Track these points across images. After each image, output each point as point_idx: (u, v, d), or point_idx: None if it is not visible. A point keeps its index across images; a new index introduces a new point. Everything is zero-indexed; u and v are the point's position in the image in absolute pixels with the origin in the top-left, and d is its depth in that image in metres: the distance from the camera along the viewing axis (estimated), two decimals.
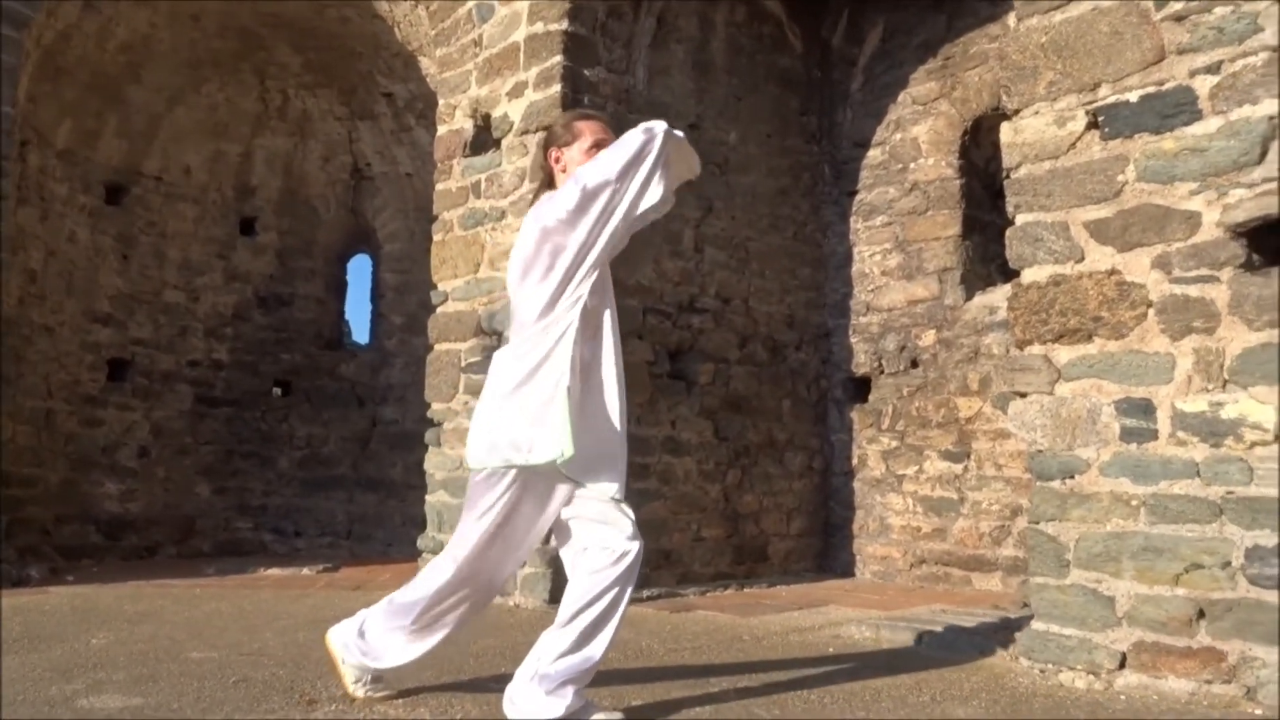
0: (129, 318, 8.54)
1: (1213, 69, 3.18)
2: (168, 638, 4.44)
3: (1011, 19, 3.81)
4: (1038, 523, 3.54)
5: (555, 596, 5.46)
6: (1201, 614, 3.08)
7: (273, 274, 9.38)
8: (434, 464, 6.38)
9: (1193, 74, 3.22)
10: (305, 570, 7.34)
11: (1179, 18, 3.26)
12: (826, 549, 7.26)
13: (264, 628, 4.77)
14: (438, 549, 6.19)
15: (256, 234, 9.36)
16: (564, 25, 5.91)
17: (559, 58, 5.89)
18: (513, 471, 2.80)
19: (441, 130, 6.61)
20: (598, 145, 2.92)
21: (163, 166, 8.80)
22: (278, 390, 9.37)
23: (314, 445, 9.28)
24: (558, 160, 3.00)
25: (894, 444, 6.91)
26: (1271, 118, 3.04)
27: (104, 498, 8.27)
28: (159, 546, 8.50)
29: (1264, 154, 3.05)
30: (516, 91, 6.09)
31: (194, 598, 5.88)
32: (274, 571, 7.31)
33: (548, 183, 3.04)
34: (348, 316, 9.93)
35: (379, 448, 9.19)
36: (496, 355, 2.98)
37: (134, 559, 8.17)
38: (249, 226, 9.35)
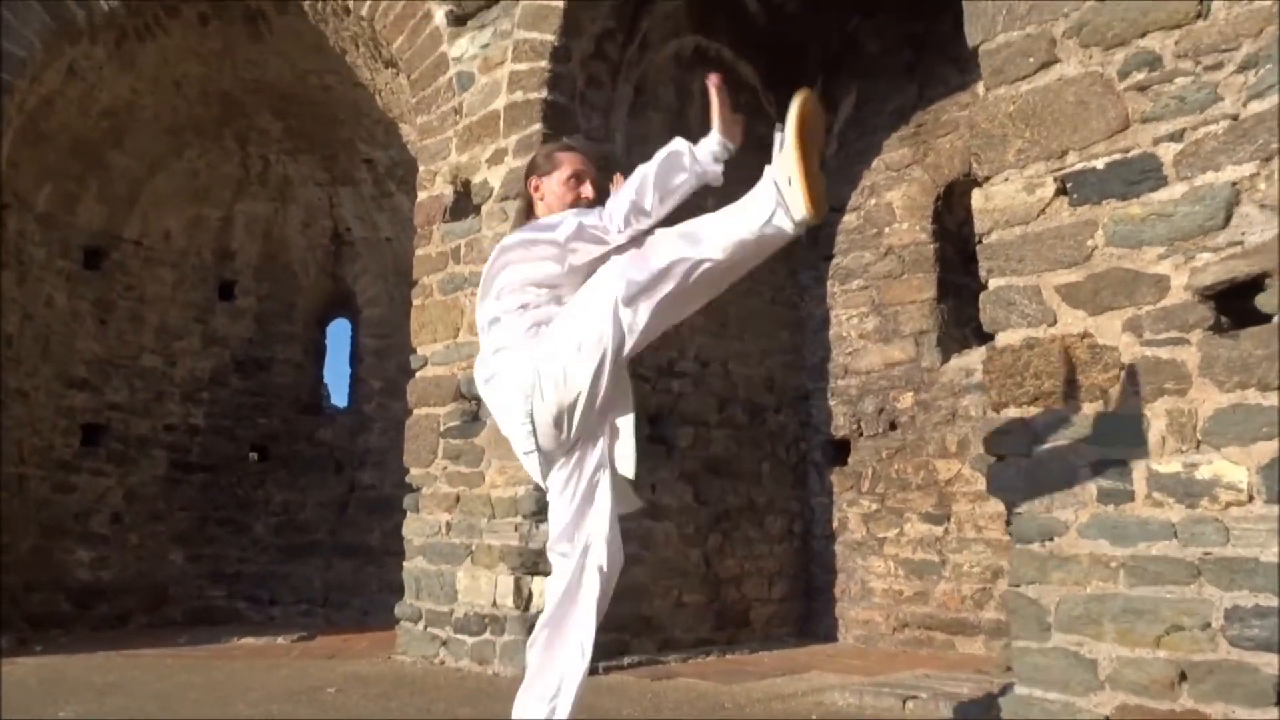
0: (105, 382, 8.48)
1: (1176, 137, 3.25)
2: (138, 711, 4.34)
3: (980, 88, 3.90)
4: (1018, 585, 3.53)
5: None
6: (1183, 676, 3.07)
7: (251, 338, 9.35)
8: (412, 529, 6.32)
9: (1156, 142, 3.30)
10: (280, 639, 7.21)
11: (1142, 87, 3.34)
12: (809, 613, 7.20)
13: (237, 699, 4.68)
14: (416, 616, 6.13)
15: (235, 298, 9.36)
16: (543, 94, 6.01)
17: (538, 125, 5.97)
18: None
19: (422, 196, 6.67)
20: (576, 176, 2.97)
21: (143, 231, 8.81)
22: (254, 455, 9.29)
23: (290, 511, 9.18)
24: (537, 189, 3.02)
25: (874, 506, 6.90)
26: (1234, 184, 3.11)
27: (75, 565, 8.13)
28: (130, 615, 8.34)
29: (1228, 219, 3.12)
30: (496, 158, 6.16)
31: (165, 668, 5.76)
32: (248, 641, 7.18)
33: (527, 211, 3.07)
34: (326, 381, 9.90)
35: (357, 513, 9.10)
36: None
37: (104, 628, 8.01)
38: (228, 291, 9.35)
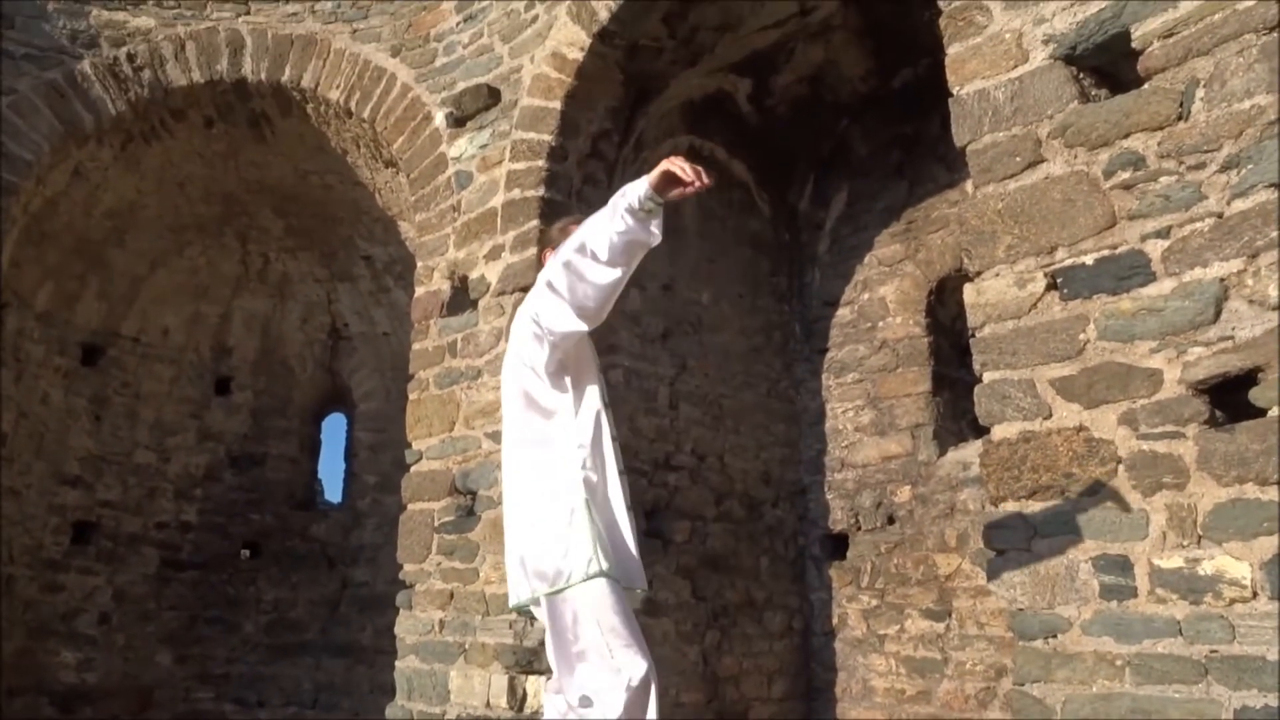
0: (97, 479, 8.42)
1: (1163, 234, 3.31)
2: None
3: (969, 186, 3.98)
4: (1022, 684, 3.46)
5: None
6: None
7: (246, 433, 9.32)
8: (405, 628, 6.20)
9: (1144, 238, 3.35)
10: None
11: (1127, 186, 3.42)
12: (809, 713, 7.03)
13: None
14: (407, 718, 5.97)
15: (232, 393, 9.34)
16: (540, 192, 6.11)
17: (535, 222, 6.06)
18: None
19: (419, 291, 6.72)
20: None
21: (141, 328, 8.85)
22: (246, 552, 9.16)
23: (281, 609, 9.02)
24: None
25: (874, 602, 6.81)
26: (1222, 279, 3.15)
27: (60, 667, 7.95)
28: None
29: (1218, 314, 3.15)
30: (494, 254, 6.24)
31: None
32: None
33: None
34: (321, 476, 9.83)
35: (348, 611, 8.94)
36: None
37: None
38: (224, 386, 9.34)
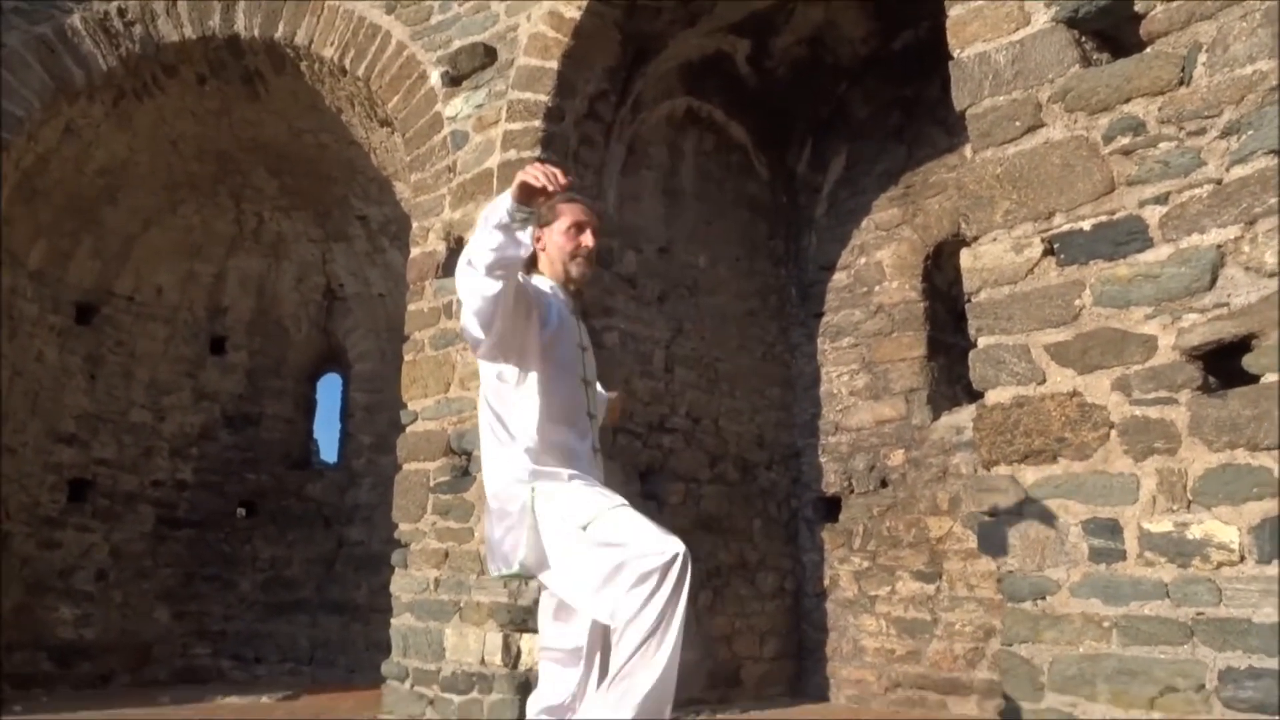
0: (93, 437, 8.43)
1: (1161, 200, 3.31)
2: None
3: (968, 150, 3.97)
4: (1010, 645, 3.51)
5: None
6: None
7: (242, 393, 9.33)
8: (400, 586, 6.26)
9: (1142, 204, 3.36)
10: (264, 698, 7.10)
11: (1126, 151, 3.41)
12: (800, 672, 7.12)
13: None
14: (402, 675, 6.04)
15: (227, 353, 9.34)
16: (536, 152, 6.08)
17: None
18: None
19: (415, 252, 6.71)
20: (577, 226, 2.97)
21: (135, 287, 8.83)
22: (242, 511, 9.21)
23: (277, 567, 9.08)
24: (539, 240, 3.01)
25: (866, 564, 6.87)
26: (1219, 246, 3.16)
27: (58, 623, 8.01)
28: (113, 674, 8.20)
29: (1214, 280, 3.16)
30: None
31: None
32: (232, 700, 7.06)
33: (532, 262, 3.03)
34: (316, 436, 9.85)
35: (344, 569, 9.01)
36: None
37: (86, 688, 7.87)
38: (219, 346, 9.34)
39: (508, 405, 2.84)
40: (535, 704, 2.92)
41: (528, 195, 2.56)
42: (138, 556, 8.57)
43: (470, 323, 2.69)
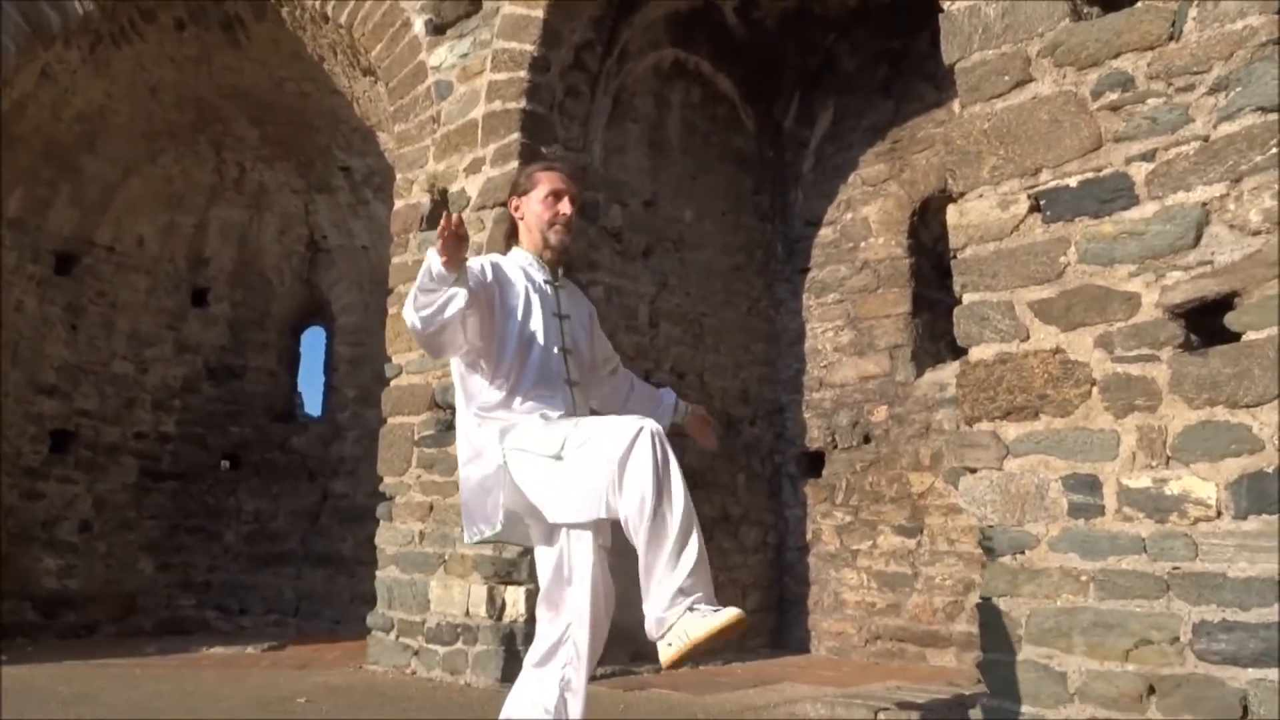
0: (74, 389, 8.39)
1: (1148, 156, 3.30)
2: None
3: (956, 105, 3.95)
4: (989, 598, 3.56)
5: (507, 675, 5.37)
6: (1152, 690, 3.10)
7: (224, 345, 9.28)
8: (385, 539, 6.28)
9: (1129, 161, 3.34)
10: (250, 649, 7.15)
11: (1114, 107, 3.39)
12: (782, 625, 7.21)
13: (205, 709, 4.63)
14: (388, 626, 6.09)
15: (209, 305, 9.28)
16: (522, 104, 6.01)
17: (516, 135, 5.98)
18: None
19: (398, 204, 6.65)
20: (554, 194, 2.98)
21: (115, 237, 8.74)
22: (226, 463, 9.21)
23: (262, 520, 9.11)
24: (517, 209, 3.06)
25: (848, 519, 6.93)
26: (1204, 204, 3.16)
27: (42, 573, 8.02)
28: (98, 625, 8.24)
29: (1198, 238, 3.17)
30: (474, 168, 6.16)
31: (133, 678, 5.70)
32: (217, 650, 7.11)
33: (511, 232, 3.12)
34: (300, 389, 9.83)
35: (329, 522, 9.04)
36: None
37: (71, 638, 7.90)
38: (201, 298, 9.28)
39: (475, 382, 2.90)
40: (531, 655, 2.91)
41: (453, 251, 2.59)
42: (121, 508, 8.57)
43: (428, 349, 2.87)
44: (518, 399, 2.84)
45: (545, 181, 2.99)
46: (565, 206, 2.99)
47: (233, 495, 9.10)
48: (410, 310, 2.71)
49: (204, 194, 9.05)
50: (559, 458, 2.67)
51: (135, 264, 8.88)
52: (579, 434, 2.68)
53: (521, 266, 3.00)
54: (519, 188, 3.05)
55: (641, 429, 2.56)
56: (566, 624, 2.81)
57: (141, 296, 8.91)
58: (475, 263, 2.85)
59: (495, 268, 2.93)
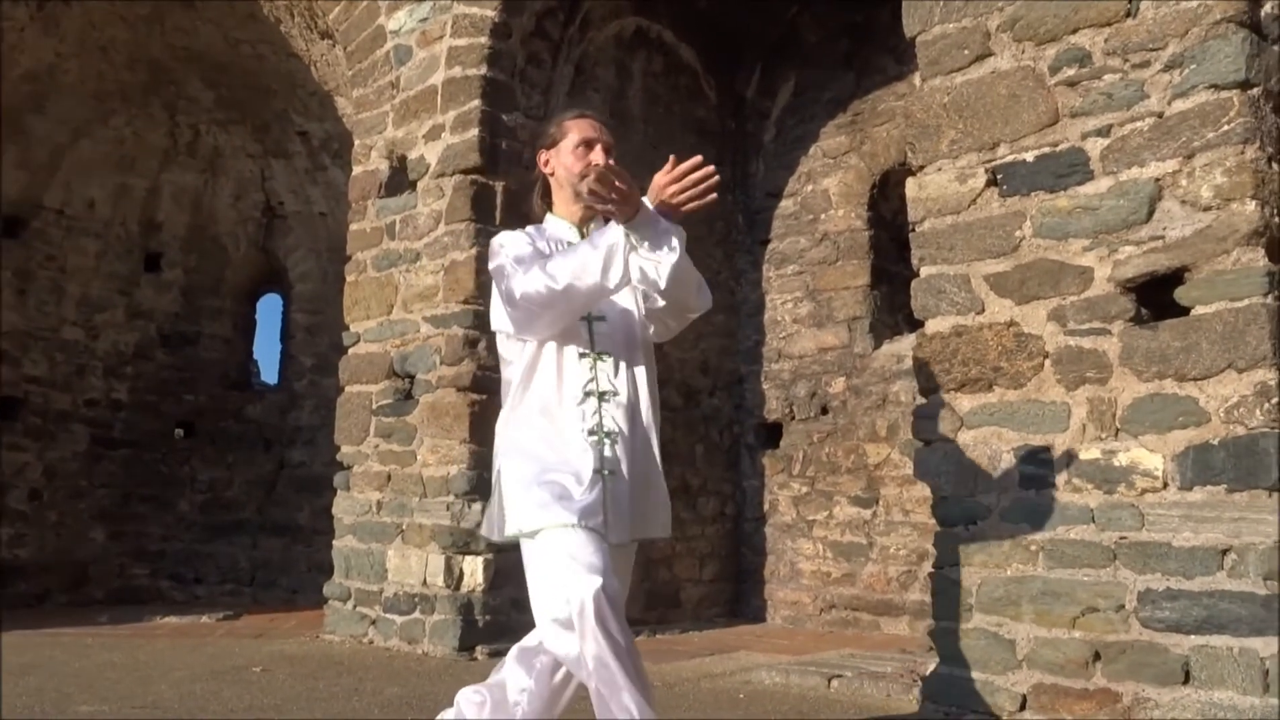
0: (23, 355, 8.23)
1: (1103, 132, 3.34)
2: (55, 690, 4.25)
3: (916, 79, 3.96)
4: (941, 568, 3.61)
5: (465, 644, 5.38)
6: (1097, 656, 3.17)
7: (178, 312, 9.14)
8: (342, 508, 6.25)
9: (1084, 136, 3.38)
10: (204, 618, 7.10)
11: (1071, 83, 3.42)
12: (738, 594, 7.28)
13: (159, 679, 4.60)
14: (345, 595, 6.08)
15: (162, 271, 9.13)
16: (483, 70, 5.94)
17: (477, 102, 5.91)
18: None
19: (357, 170, 6.57)
20: (586, 144, 2.65)
21: (65, 200, 8.55)
22: (180, 432, 9.10)
23: (217, 489, 9.02)
24: (547, 164, 2.74)
25: (805, 490, 7.00)
26: (1157, 179, 3.20)
27: None
28: (49, 594, 8.13)
29: (1151, 213, 3.21)
30: (434, 134, 6.09)
31: (85, 648, 5.64)
32: (171, 620, 7.05)
33: (543, 191, 2.78)
34: (256, 357, 9.72)
35: (285, 491, 8.97)
36: None
37: (21, 607, 7.79)
38: (154, 263, 9.11)
39: (508, 373, 2.73)
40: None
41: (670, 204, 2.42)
42: (72, 476, 8.44)
43: (511, 309, 2.55)
44: (527, 406, 2.63)
45: (575, 130, 2.67)
46: (598, 156, 2.63)
47: (187, 464, 9.00)
48: (566, 272, 2.42)
49: (156, 157, 8.87)
50: (523, 536, 2.45)
51: (85, 228, 8.70)
52: (536, 550, 2.40)
53: (557, 239, 2.69)
54: (548, 139, 2.73)
55: (582, 609, 2.23)
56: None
57: (92, 261, 8.73)
58: (523, 241, 2.62)
59: (536, 244, 2.65)
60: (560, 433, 2.54)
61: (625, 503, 2.51)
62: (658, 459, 2.64)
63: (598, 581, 2.24)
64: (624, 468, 2.52)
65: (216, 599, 8.51)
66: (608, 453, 2.51)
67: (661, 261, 2.39)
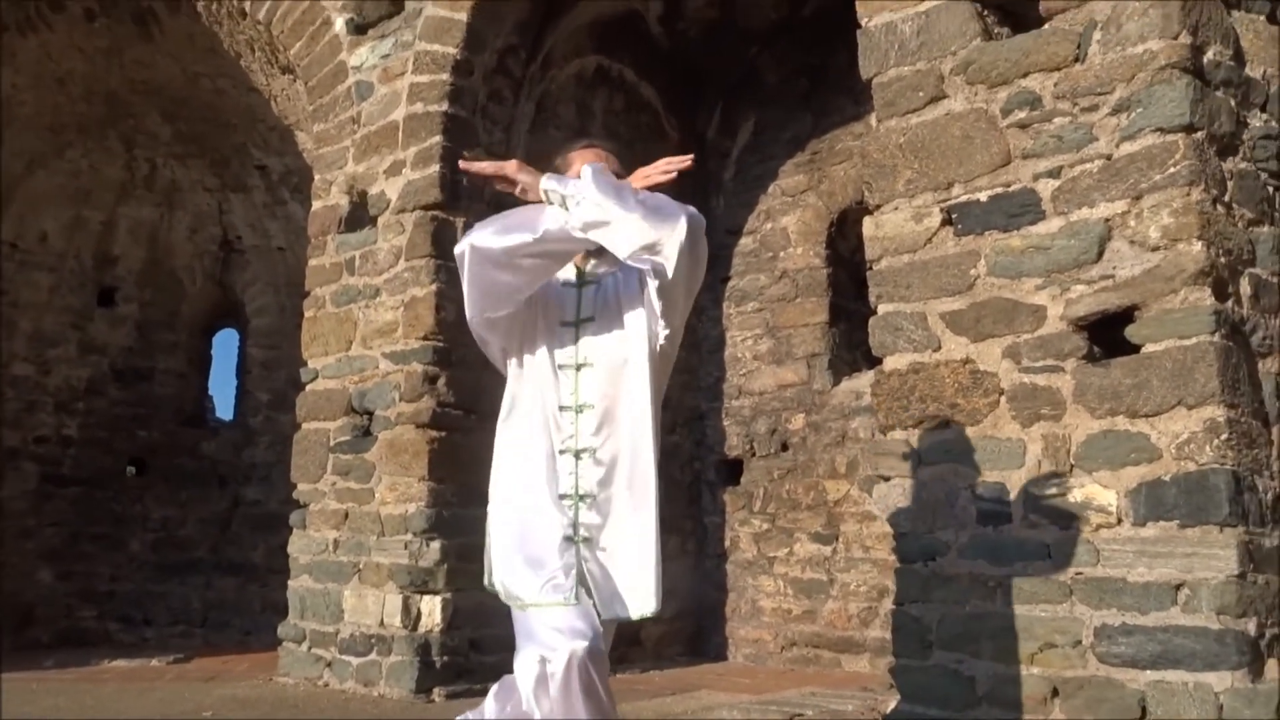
0: None
1: (1054, 173, 3.41)
2: None
3: (873, 119, 4.02)
4: (902, 604, 3.62)
5: (422, 686, 5.29)
6: (1055, 692, 3.18)
7: (132, 347, 9.00)
8: (298, 547, 6.15)
9: (1036, 177, 3.44)
10: (154, 661, 6.93)
11: (1023, 125, 3.49)
12: (699, 632, 7.24)
13: None
14: (299, 637, 5.96)
15: (116, 305, 8.99)
16: (444, 107, 5.96)
17: (438, 138, 5.92)
18: None
19: (317, 205, 6.53)
20: None
21: (18, 233, 8.41)
22: (132, 469, 8.92)
23: (169, 527, 8.83)
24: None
25: (765, 526, 7.00)
26: (1107, 220, 3.27)
27: None
28: None
29: (1101, 253, 3.27)
30: (394, 170, 6.08)
31: (29, 693, 5.48)
32: (119, 663, 6.87)
33: None
34: (211, 392, 9.58)
35: (240, 530, 8.81)
36: None
37: None
38: (108, 297, 8.98)
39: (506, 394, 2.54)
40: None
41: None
42: (20, 515, 8.23)
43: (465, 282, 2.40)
44: (506, 425, 2.50)
45: (578, 160, 2.58)
46: None
47: (139, 502, 8.82)
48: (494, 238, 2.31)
49: (113, 190, 8.77)
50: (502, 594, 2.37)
51: (38, 261, 8.57)
52: (516, 610, 2.30)
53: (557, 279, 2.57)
54: (553, 169, 2.62)
55: (556, 666, 2.15)
56: None
57: (44, 295, 8.59)
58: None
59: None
60: (535, 489, 2.42)
61: (599, 575, 2.37)
62: (647, 522, 2.44)
63: (578, 645, 2.17)
64: (601, 534, 2.38)
65: (167, 641, 8.31)
66: (583, 517, 2.39)
67: (576, 193, 2.30)
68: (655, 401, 2.48)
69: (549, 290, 2.53)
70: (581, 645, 2.18)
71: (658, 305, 2.40)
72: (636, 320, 2.47)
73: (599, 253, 2.51)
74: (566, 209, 2.31)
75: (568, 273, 2.57)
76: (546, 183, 2.37)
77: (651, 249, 2.29)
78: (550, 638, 2.21)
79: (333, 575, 5.91)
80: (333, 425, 6.09)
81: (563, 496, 2.41)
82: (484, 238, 2.36)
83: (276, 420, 8.69)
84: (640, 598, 2.42)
